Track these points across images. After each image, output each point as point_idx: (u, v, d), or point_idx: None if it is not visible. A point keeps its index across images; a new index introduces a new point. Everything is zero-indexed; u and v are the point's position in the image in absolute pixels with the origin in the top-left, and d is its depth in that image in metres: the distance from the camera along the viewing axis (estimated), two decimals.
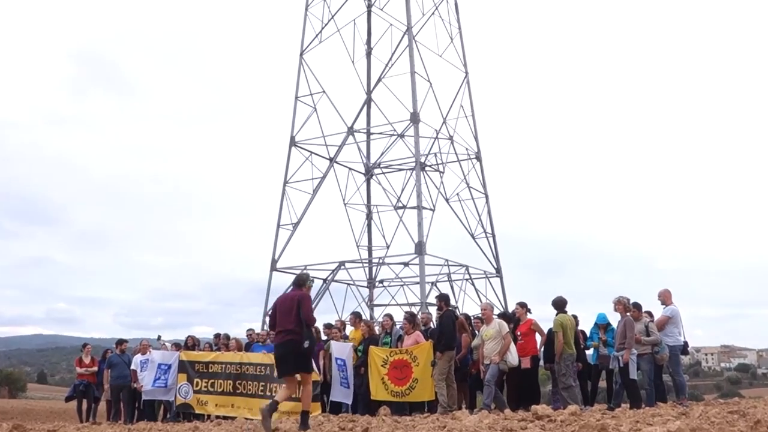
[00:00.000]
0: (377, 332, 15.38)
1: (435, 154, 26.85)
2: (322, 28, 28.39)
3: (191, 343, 17.80)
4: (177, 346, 17.98)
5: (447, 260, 25.62)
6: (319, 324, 15.40)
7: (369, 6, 29.44)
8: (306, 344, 9.30)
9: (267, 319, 26.00)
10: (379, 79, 28.36)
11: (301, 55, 28.47)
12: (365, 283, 28.53)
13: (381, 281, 28.45)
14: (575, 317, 14.11)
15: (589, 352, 14.94)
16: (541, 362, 13.93)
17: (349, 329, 16.26)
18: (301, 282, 9.91)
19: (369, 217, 29.92)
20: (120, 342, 18.27)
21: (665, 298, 14.00)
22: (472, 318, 15.13)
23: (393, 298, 27.49)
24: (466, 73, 29.26)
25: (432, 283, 25.83)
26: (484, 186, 28.70)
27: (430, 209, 25.53)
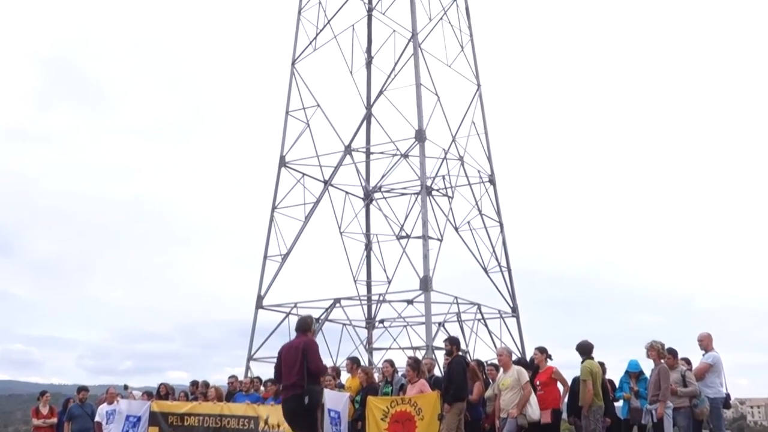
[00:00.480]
0: (377, 380, 15.30)
1: (443, 177, 26.89)
2: (317, 35, 28.58)
3: (164, 392, 17.71)
4: (148, 394, 17.88)
5: (456, 297, 25.53)
6: None
7: (369, 10, 29.63)
8: (306, 400, 9.28)
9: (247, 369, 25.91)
10: (381, 92, 28.47)
11: (293, 64, 28.61)
12: (363, 324, 28.43)
13: (381, 321, 28.35)
14: (602, 364, 14.04)
15: (619, 404, 14.83)
16: (564, 415, 13.83)
17: (344, 376, 16.16)
18: (306, 326, 9.91)
19: (368, 247, 29.87)
20: (80, 390, 18.17)
21: (706, 343, 13.92)
22: (485, 364, 15.06)
23: (395, 340, 27.42)
24: (479, 85, 29.39)
25: (439, 323, 25.73)
26: (498, 213, 28.69)
27: (438, 239, 25.49)
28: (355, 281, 29.31)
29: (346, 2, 28.46)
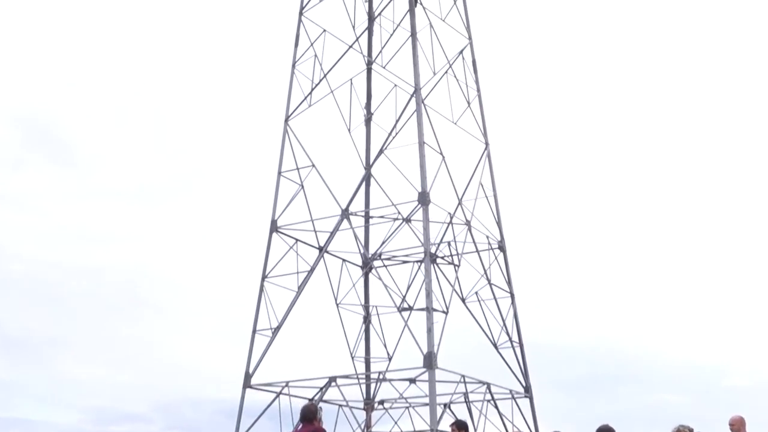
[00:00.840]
0: None
1: (448, 243, 26.79)
2: (312, 89, 28.79)
3: None
4: None
5: (463, 376, 25.28)
6: None
7: (369, 63, 29.76)
8: None
9: None
10: (381, 151, 28.53)
11: (286, 121, 28.80)
12: (361, 405, 28.04)
13: (381, 402, 27.99)
14: None
15: None
16: None
17: None
18: (311, 415, 9.90)
19: (367, 320, 29.66)
20: None
21: (739, 426, 13.75)
22: None
23: (396, 423, 27.06)
24: (487, 144, 29.48)
25: (445, 405, 25.41)
26: (509, 283, 28.59)
27: (443, 311, 25.33)
28: (352, 358, 29.04)
29: (343, 55, 28.78)
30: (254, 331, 26.93)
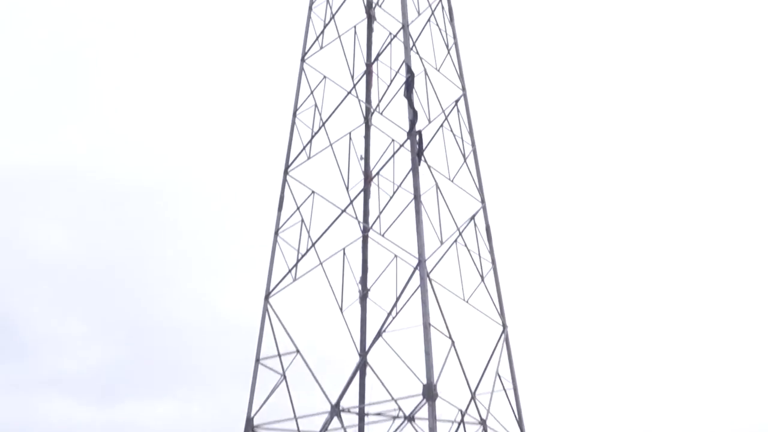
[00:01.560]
0: None
1: None
2: (298, 261, 28.28)
3: None
4: None
5: None
6: None
7: (365, 230, 29.51)
8: None
9: None
10: (379, 334, 27.68)
11: (267, 298, 28.18)
12: None
13: None
14: None
15: None
16: None
17: None
18: None
19: None
20: None
21: None
22: None
23: None
24: (504, 326, 28.61)
25: None
26: None
27: None
28: None
29: (334, 222, 28.48)
30: None
